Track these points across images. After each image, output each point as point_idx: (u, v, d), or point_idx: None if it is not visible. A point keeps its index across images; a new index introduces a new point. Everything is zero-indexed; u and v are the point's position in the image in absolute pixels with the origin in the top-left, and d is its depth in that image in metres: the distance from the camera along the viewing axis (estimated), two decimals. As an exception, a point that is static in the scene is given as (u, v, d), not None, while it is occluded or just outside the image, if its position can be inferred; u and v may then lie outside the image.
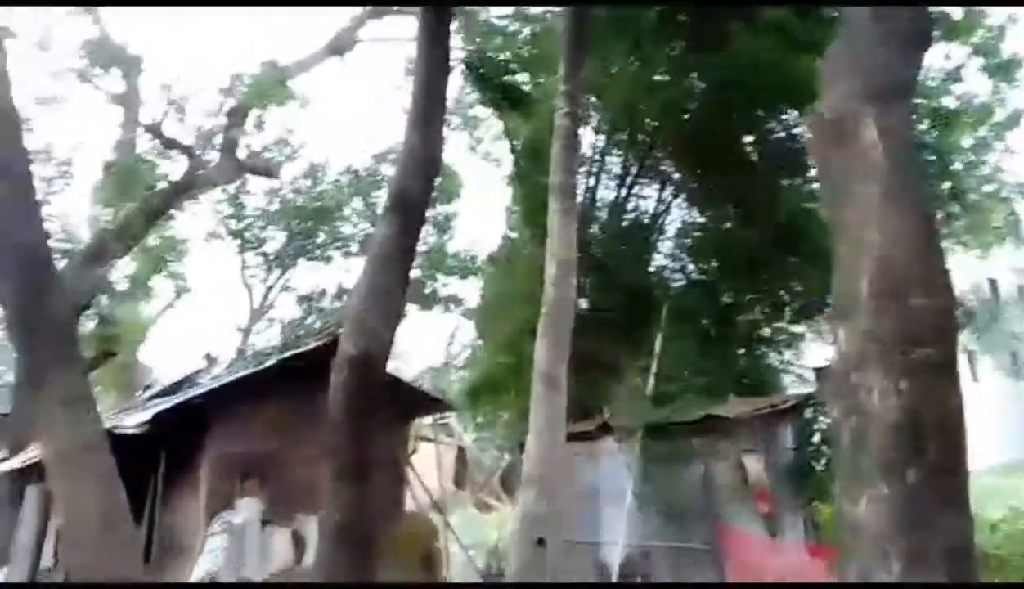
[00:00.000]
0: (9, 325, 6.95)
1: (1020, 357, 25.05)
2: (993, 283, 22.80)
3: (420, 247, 23.03)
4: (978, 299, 17.95)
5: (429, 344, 27.80)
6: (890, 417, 3.85)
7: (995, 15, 14.64)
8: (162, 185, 17.20)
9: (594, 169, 16.53)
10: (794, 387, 15.23)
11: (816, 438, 10.81)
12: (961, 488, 3.84)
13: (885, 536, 3.69)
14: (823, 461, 10.33)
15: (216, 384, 12.40)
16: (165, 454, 11.21)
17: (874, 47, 4.77)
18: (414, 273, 23.35)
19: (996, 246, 17.39)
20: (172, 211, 18.58)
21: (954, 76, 15.05)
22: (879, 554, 3.65)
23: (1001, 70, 14.78)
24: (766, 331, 16.15)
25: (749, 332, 15.97)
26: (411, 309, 24.51)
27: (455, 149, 21.30)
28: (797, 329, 15.91)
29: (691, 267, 16.99)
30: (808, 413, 11.32)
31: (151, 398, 15.18)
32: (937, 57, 14.93)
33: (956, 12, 14.28)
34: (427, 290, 24.44)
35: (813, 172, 14.68)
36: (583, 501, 12.07)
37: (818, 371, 15.35)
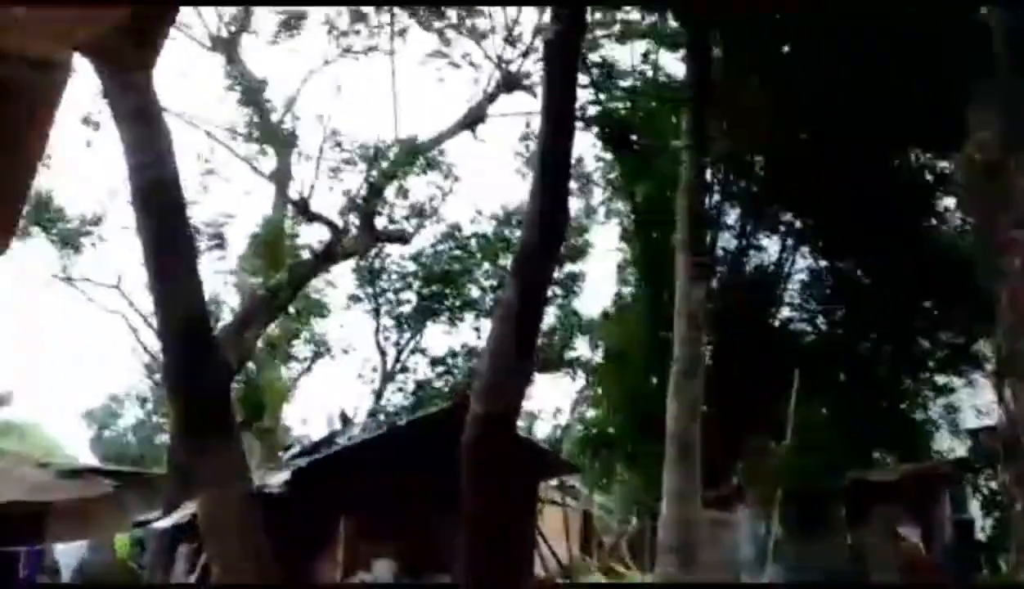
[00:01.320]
0: (170, 393, 7.45)
1: None
2: None
3: (548, 308, 23.37)
4: None
5: (556, 406, 27.54)
6: (1069, 484, 3.50)
7: None
8: (305, 255, 18.28)
9: (713, 224, 16.23)
10: (945, 446, 14.06)
11: (977, 505, 9.90)
12: None
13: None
14: (988, 530, 9.41)
15: (351, 444, 12.78)
16: (306, 512, 11.57)
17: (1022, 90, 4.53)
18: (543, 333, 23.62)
19: None
20: (315, 279, 19.68)
21: None
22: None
23: None
24: (908, 384, 15.08)
25: (890, 385, 14.93)
26: (539, 371, 24.62)
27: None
28: (942, 379, 14.76)
29: (821, 319, 16.22)
30: (967, 478, 10.41)
31: (292, 458, 15.78)
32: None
33: None
34: (554, 352, 24.48)
35: (948, 212, 13.85)
36: (721, 570, 11.49)
37: (974, 433, 14.09)
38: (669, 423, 8.16)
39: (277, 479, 11.65)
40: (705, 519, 9.42)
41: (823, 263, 16.36)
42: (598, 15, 14.50)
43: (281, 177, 18.53)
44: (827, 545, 10.44)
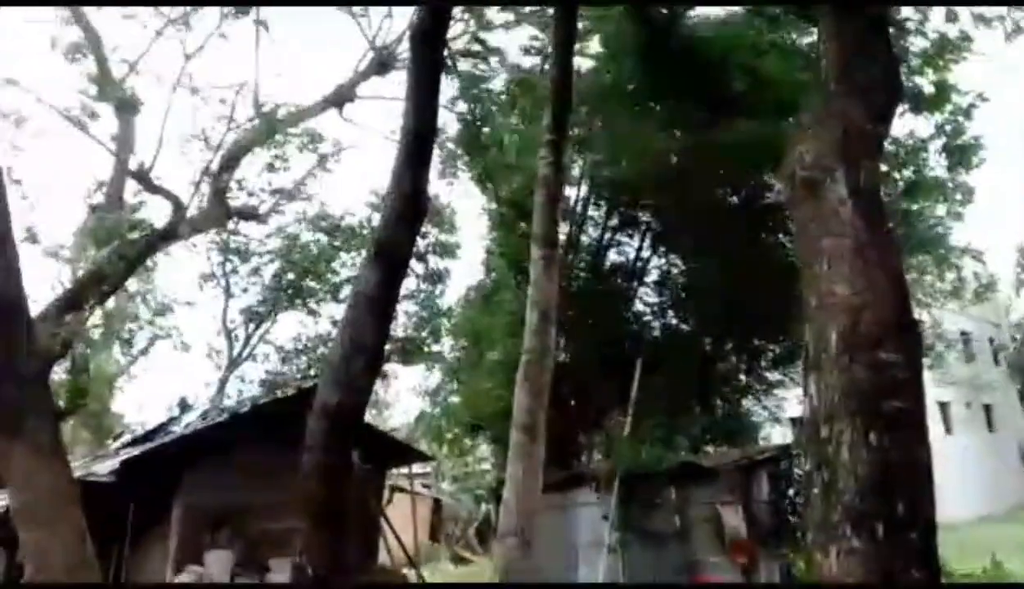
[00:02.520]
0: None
1: (994, 410, 25.37)
2: (966, 337, 23.25)
3: (412, 302, 23.17)
4: (952, 353, 18.27)
5: (413, 395, 27.49)
6: (859, 470, 3.88)
7: (966, 90, 15.02)
8: (145, 231, 17.05)
9: (576, 220, 16.75)
10: (773, 436, 15.34)
11: (792, 489, 10.85)
12: (929, 540, 3.85)
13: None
14: (799, 512, 10.35)
15: (187, 432, 12.23)
16: (135, 503, 10.99)
17: (845, 103, 4.95)
18: (404, 323, 23.43)
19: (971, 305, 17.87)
20: (154, 257, 18.44)
21: (920, 149, 15.43)
22: (851, 606, 3.69)
23: (960, 152, 15.12)
24: (743, 379, 16.29)
25: (727, 380, 16.10)
26: (400, 362, 24.42)
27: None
28: (774, 376, 16.05)
29: (670, 314, 17.15)
30: (785, 464, 11.39)
31: (123, 446, 14.92)
32: (907, 128, 15.38)
33: (928, 86, 14.64)
34: (416, 343, 24.31)
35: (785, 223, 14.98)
36: (560, 553, 11.95)
37: (795, 421, 15.46)
38: (516, 411, 8.36)
39: (104, 467, 10.95)
40: (547, 504, 9.74)
41: (676, 263, 17.25)
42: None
43: (121, 144, 17.22)
44: (659, 526, 11.11)
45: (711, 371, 15.98)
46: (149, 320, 22.76)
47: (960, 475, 20.84)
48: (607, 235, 17.33)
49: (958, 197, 16.00)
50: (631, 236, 17.48)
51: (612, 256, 17.58)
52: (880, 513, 3.77)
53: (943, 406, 18.29)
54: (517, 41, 15.64)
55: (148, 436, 15.17)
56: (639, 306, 17.63)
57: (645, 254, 17.51)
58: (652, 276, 17.70)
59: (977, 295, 18.74)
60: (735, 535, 10.23)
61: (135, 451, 11.81)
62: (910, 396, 4.09)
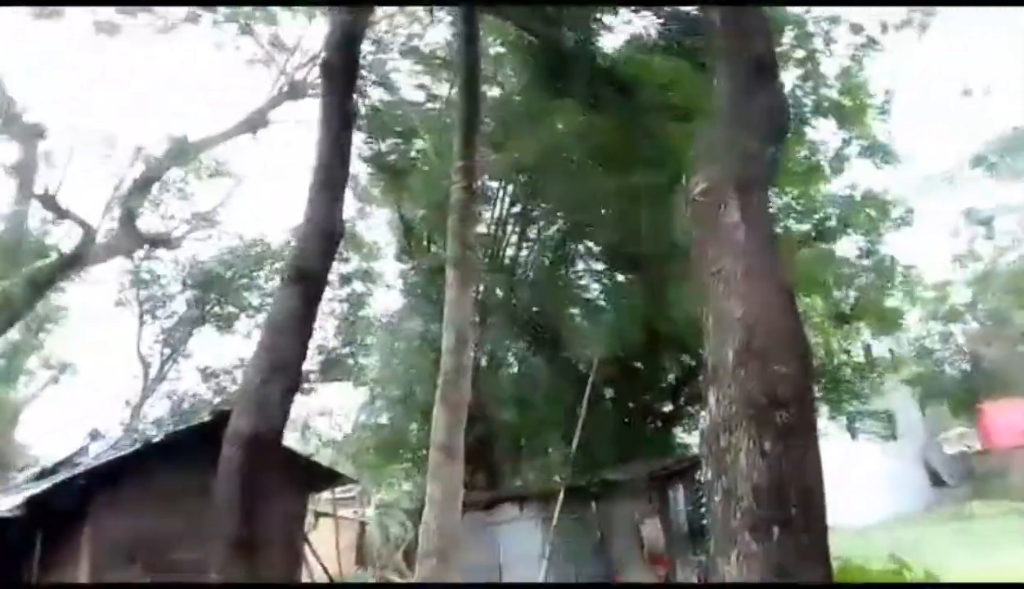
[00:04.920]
0: None
1: (896, 418, 26.68)
2: (868, 349, 24.43)
3: (334, 321, 22.86)
4: (853, 366, 19.14)
5: (336, 417, 27.03)
6: (755, 477, 4.09)
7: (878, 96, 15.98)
8: (53, 256, 16.45)
9: (497, 240, 16.87)
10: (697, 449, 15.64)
11: (706, 499, 11.16)
12: (821, 542, 4.09)
13: (757, 590, 3.90)
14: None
15: (96, 463, 11.78)
16: (42, 537, 10.52)
17: (737, 131, 5.26)
18: (324, 343, 23.08)
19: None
20: (63, 283, 17.78)
21: (841, 159, 16.27)
22: (750, 608, 3.88)
23: (882, 151, 16.08)
24: (668, 407, 16.63)
25: (657, 395, 16.41)
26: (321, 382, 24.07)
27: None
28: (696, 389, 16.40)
29: (598, 332, 17.29)
30: (699, 474, 11.71)
31: (29, 480, 14.24)
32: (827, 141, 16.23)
33: (846, 99, 15.53)
34: (337, 363, 24.01)
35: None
36: (484, 571, 11.98)
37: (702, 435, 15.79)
38: (434, 431, 8.42)
39: (7, 503, 10.45)
40: (472, 523, 9.80)
41: (601, 280, 17.46)
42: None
43: (24, 169, 16.58)
44: (580, 540, 11.31)
45: (640, 387, 16.21)
46: (50, 352, 21.87)
47: (866, 480, 21.88)
48: (530, 254, 17.52)
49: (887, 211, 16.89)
50: (555, 253, 17.69)
51: (537, 274, 17.73)
52: (776, 517, 3.98)
53: (849, 414, 19.17)
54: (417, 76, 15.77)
55: (55, 468, 14.49)
56: (568, 325, 17.81)
57: (571, 271, 17.70)
58: (578, 294, 17.86)
59: (893, 321, 19.65)
60: (653, 546, 10.50)
61: (40, 486, 11.30)
62: (800, 406, 4.35)
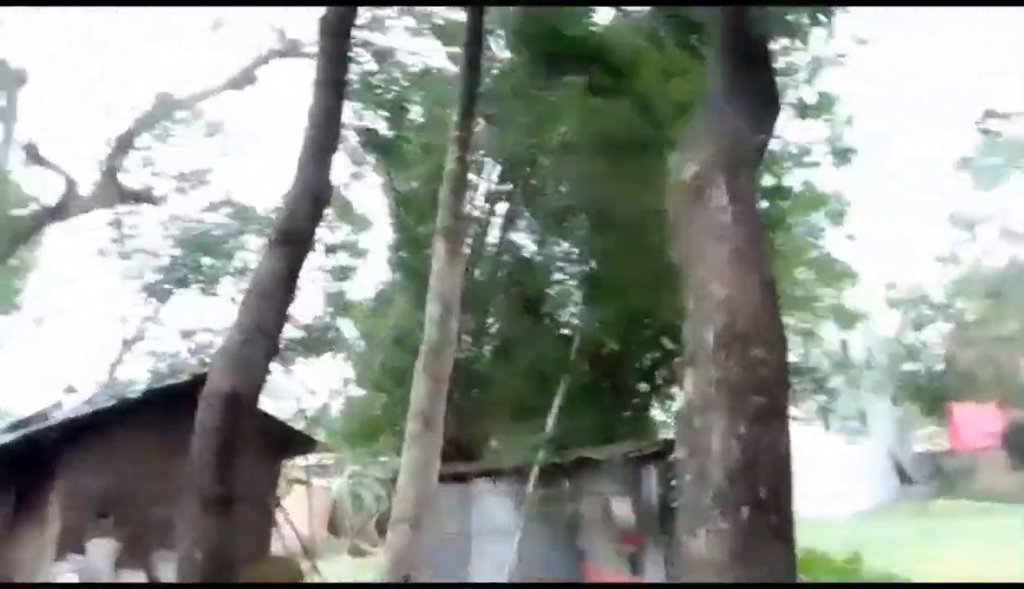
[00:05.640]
0: None
1: (867, 413, 27.13)
2: (844, 344, 24.73)
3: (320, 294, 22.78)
4: (831, 361, 19.46)
5: (323, 389, 27.06)
6: (728, 458, 4.17)
7: (848, 100, 16.17)
8: (34, 207, 16.31)
9: (484, 215, 16.86)
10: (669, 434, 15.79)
11: (677, 480, 11.30)
12: (787, 524, 4.17)
13: (722, 567, 3.95)
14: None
15: (69, 417, 11.74)
16: (13, 489, 10.51)
17: (726, 117, 5.28)
18: (308, 317, 23.01)
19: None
20: (42, 234, 17.61)
21: (803, 154, 16.44)
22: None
23: (842, 155, 16.33)
24: (645, 387, 16.75)
25: (637, 377, 16.53)
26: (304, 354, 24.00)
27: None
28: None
29: (580, 312, 17.36)
30: (672, 457, 11.85)
31: (1, 432, 14.17)
32: (791, 135, 16.35)
33: (811, 95, 15.67)
34: (318, 333, 23.95)
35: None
36: (455, 541, 12.11)
37: (677, 415, 15.92)
38: (414, 400, 8.45)
39: (-24, 454, 10.40)
40: (446, 494, 9.88)
41: (585, 260, 17.49)
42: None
43: (6, 116, 16.36)
44: (551, 517, 11.46)
45: (620, 370, 16.29)
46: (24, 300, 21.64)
47: (833, 472, 22.26)
48: (518, 231, 17.53)
49: (837, 206, 17.17)
50: (540, 231, 17.70)
51: (522, 252, 17.75)
52: (745, 497, 4.06)
53: (823, 406, 19.48)
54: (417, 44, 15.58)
55: (27, 422, 14.43)
56: (550, 303, 17.87)
57: (555, 250, 17.73)
58: (561, 273, 17.92)
59: (851, 319, 20.09)
60: (624, 525, 10.65)
61: (10, 437, 11.26)
62: (776, 391, 4.43)
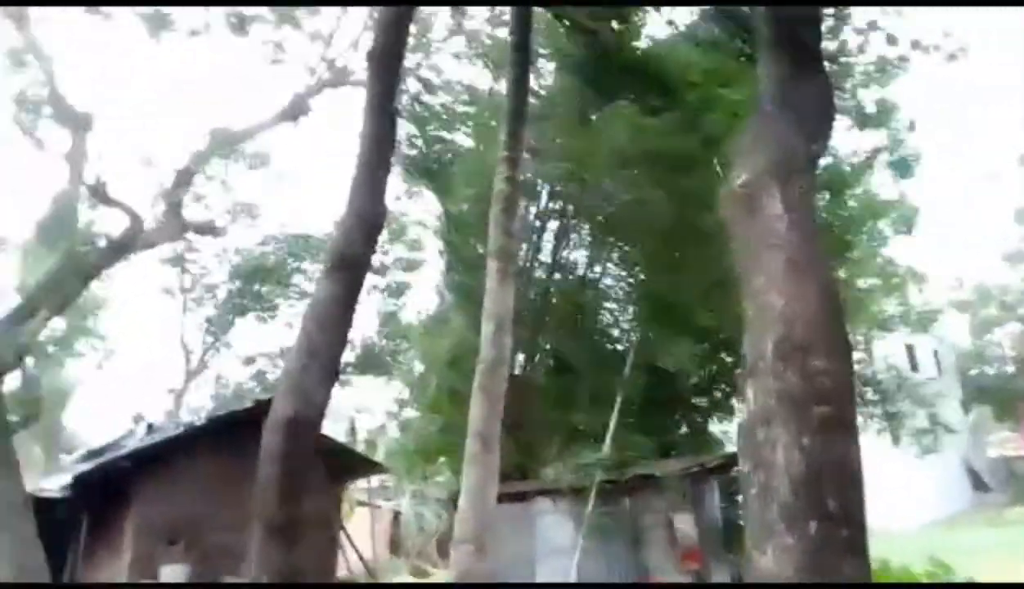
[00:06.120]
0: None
1: (938, 421, 26.18)
2: (911, 350, 23.98)
3: (373, 314, 23.19)
4: (897, 371, 18.82)
5: (378, 409, 27.44)
6: (793, 470, 4.06)
7: (907, 109, 15.77)
8: (101, 244, 16.92)
9: (534, 236, 16.93)
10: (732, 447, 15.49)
11: (741, 495, 11.07)
12: (859, 537, 4.04)
13: (791, 584, 3.86)
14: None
15: (141, 446, 12.11)
16: (88, 517, 10.87)
17: (781, 123, 5.21)
18: (364, 337, 23.42)
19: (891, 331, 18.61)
20: (109, 270, 18.25)
21: (865, 167, 16.06)
22: (786, 602, 3.85)
23: (901, 166, 15.93)
24: (703, 401, 16.51)
25: (694, 393, 16.31)
26: (359, 374, 24.41)
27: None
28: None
29: (636, 328, 17.21)
30: (735, 471, 11.62)
31: (76, 462, 14.70)
32: (849, 146, 16.04)
33: (870, 105, 15.32)
34: (376, 354, 24.33)
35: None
36: (518, 561, 12.06)
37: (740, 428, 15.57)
38: (471, 420, 8.48)
39: (57, 482, 10.79)
40: (507, 514, 9.86)
41: (637, 275, 17.37)
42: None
43: (75, 158, 17.07)
44: (613, 535, 11.32)
45: (677, 385, 16.09)
46: (100, 334, 22.47)
47: (905, 483, 21.48)
48: (570, 249, 17.52)
49: (903, 214, 16.71)
50: (592, 248, 17.65)
51: (574, 270, 17.74)
52: (813, 511, 3.95)
53: (891, 416, 18.86)
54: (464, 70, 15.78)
55: (101, 451, 14.95)
56: (605, 320, 17.78)
57: (607, 267, 17.66)
58: (614, 290, 17.82)
59: (921, 322, 19.44)
60: (687, 542, 10.47)
61: (87, 466, 11.65)
62: (840, 401, 4.31)
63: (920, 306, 19.37)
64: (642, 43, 14.03)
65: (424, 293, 22.61)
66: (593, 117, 14.74)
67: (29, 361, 16.89)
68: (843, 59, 14.05)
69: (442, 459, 17.67)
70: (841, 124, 15.50)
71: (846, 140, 15.81)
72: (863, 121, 15.29)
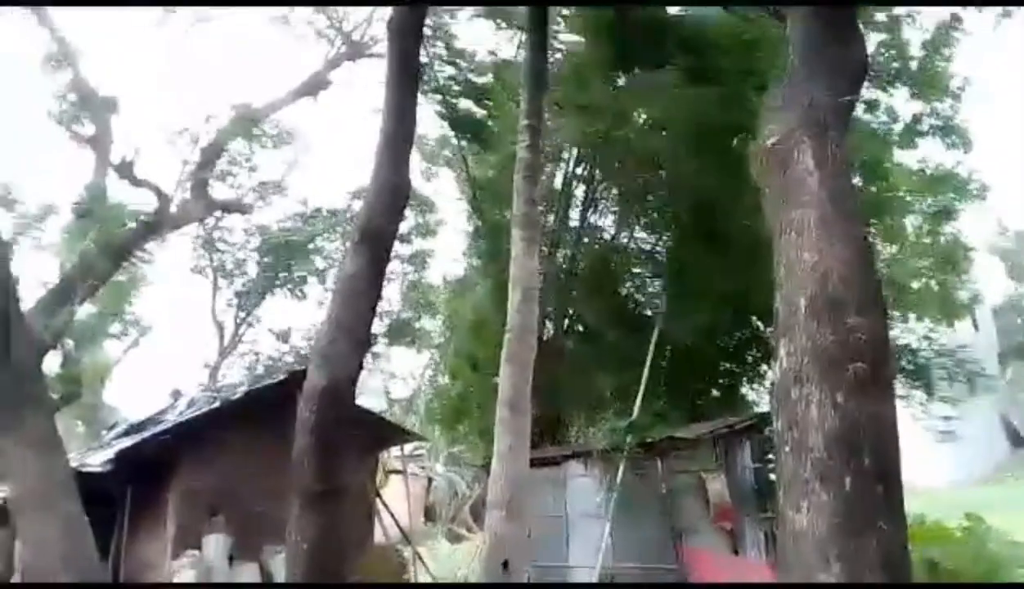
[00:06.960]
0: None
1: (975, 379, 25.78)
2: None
3: (397, 283, 23.32)
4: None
5: (404, 378, 27.71)
6: (827, 427, 4.04)
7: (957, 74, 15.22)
8: (132, 224, 17.16)
9: (562, 200, 16.83)
10: (764, 406, 15.41)
11: (774, 454, 11.02)
12: (895, 494, 4.00)
13: (826, 540, 3.82)
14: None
15: (180, 420, 12.36)
16: (131, 491, 11.15)
17: (812, 81, 5.10)
18: (390, 308, 23.57)
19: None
20: (143, 250, 18.52)
21: (914, 132, 15.54)
22: (820, 558, 3.80)
23: (956, 132, 15.37)
24: (734, 366, 16.44)
25: (718, 363, 16.27)
26: (388, 344, 24.63)
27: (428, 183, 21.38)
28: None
29: (665, 293, 17.10)
30: (767, 430, 11.57)
31: (117, 437, 15.05)
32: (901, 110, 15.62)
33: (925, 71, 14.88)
34: (403, 323, 24.50)
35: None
36: (550, 526, 12.21)
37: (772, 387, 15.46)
38: (501, 387, 8.56)
39: (99, 458, 11.08)
40: (540, 478, 9.96)
41: (661, 244, 17.22)
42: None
43: (101, 141, 17.28)
44: (648, 498, 11.39)
45: (707, 350, 16.01)
46: (134, 313, 22.89)
47: (941, 438, 21.22)
48: (597, 214, 17.40)
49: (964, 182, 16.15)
50: (620, 213, 17.51)
51: (601, 235, 17.63)
52: (847, 467, 3.93)
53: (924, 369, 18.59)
54: (483, 34, 15.53)
55: (141, 426, 15.27)
56: (633, 285, 17.70)
57: (637, 233, 17.52)
58: (642, 255, 17.67)
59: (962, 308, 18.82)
60: (719, 501, 10.48)
61: (129, 441, 11.94)
62: (875, 358, 4.25)
63: (968, 287, 18.63)
64: (674, 8, 13.69)
65: (449, 265, 22.62)
66: (620, 81, 14.49)
67: (69, 342, 17.32)
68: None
69: (474, 422, 17.83)
70: (900, 94, 15.22)
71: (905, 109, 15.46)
72: (912, 85, 14.92)
